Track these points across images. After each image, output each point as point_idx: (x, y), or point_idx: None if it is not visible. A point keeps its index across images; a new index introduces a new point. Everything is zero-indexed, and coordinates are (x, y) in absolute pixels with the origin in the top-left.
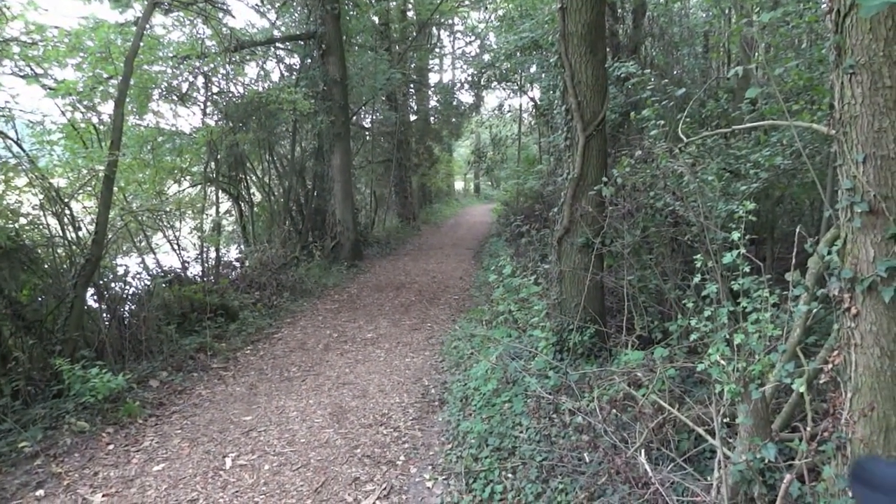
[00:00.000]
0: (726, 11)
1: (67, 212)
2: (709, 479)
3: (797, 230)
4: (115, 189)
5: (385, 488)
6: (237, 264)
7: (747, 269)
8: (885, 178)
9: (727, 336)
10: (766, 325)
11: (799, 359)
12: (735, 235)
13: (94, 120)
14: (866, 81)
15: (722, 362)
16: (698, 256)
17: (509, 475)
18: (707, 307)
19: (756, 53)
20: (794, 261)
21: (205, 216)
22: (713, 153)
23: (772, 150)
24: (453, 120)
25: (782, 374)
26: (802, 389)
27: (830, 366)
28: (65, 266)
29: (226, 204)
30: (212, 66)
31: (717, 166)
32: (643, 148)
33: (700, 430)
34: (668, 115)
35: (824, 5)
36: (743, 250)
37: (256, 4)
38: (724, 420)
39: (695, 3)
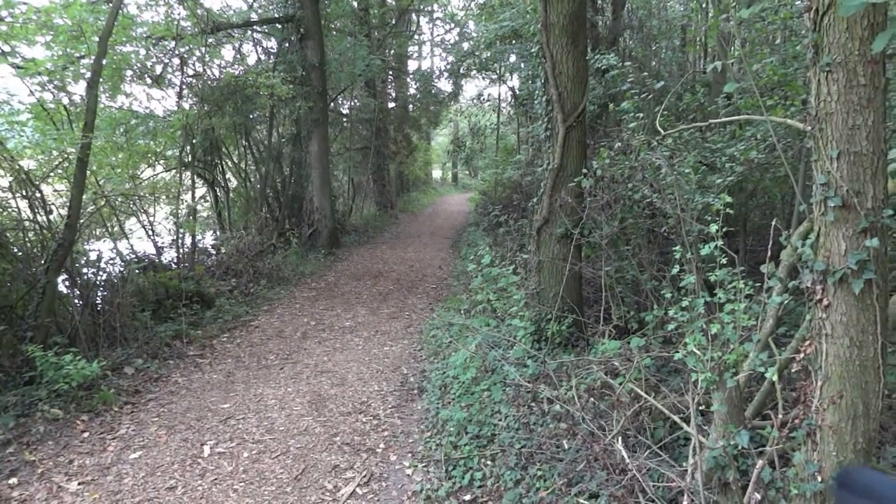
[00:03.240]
0: (704, 5)
1: (38, 195)
2: (684, 465)
3: (773, 223)
4: (88, 172)
5: (365, 475)
6: (213, 251)
7: (724, 261)
8: (858, 174)
9: (703, 326)
10: (740, 316)
11: (770, 348)
12: (713, 228)
13: (65, 101)
14: (842, 79)
15: (696, 352)
16: (676, 248)
17: (488, 462)
18: (684, 298)
19: (732, 48)
20: (769, 253)
21: (180, 201)
22: (689, 146)
23: (747, 144)
24: (432, 108)
25: (756, 363)
26: (775, 378)
27: (802, 355)
28: (36, 250)
29: (201, 189)
30: (188, 47)
31: (693, 159)
32: (622, 140)
33: (675, 418)
34: (647, 107)
35: (799, 2)
36: (720, 242)
37: None
38: (700, 408)
39: None
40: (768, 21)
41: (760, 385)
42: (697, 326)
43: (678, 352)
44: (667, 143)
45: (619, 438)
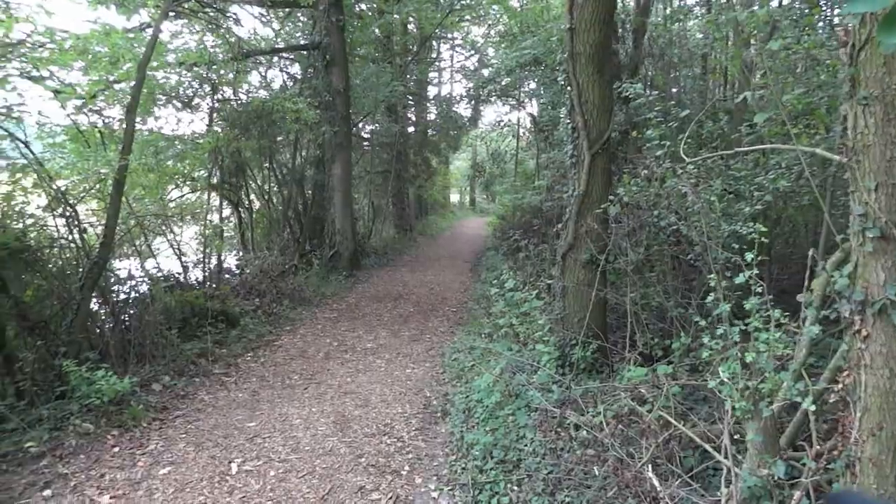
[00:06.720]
0: (725, 34)
1: (73, 214)
2: (717, 495)
3: (810, 253)
4: None
5: (391, 497)
6: (237, 270)
7: (759, 290)
8: None
9: (739, 354)
10: (775, 344)
11: (803, 378)
12: (749, 256)
13: (99, 123)
14: (879, 112)
15: (726, 380)
16: (711, 276)
17: (515, 488)
18: (717, 326)
19: (756, 76)
20: (806, 283)
21: (207, 222)
22: (713, 174)
23: (775, 172)
24: (452, 133)
25: (793, 392)
26: (812, 408)
27: (840, 385)
28: (69, 268)
29: (225, 210)
30: (220, 73)
31: (719, 186)
32: (647, 167)
33: (707, 447)
34: (671, 135)
35: (822, 33)
36: (756, 271)
37: (261, 14)
38: (734, 437)
39: (692, 25)
40: (792, 50)
41: (791, 415)
42: (732, 355)
43: (712, 380)
44: (690, 171)
45: (650, 466)
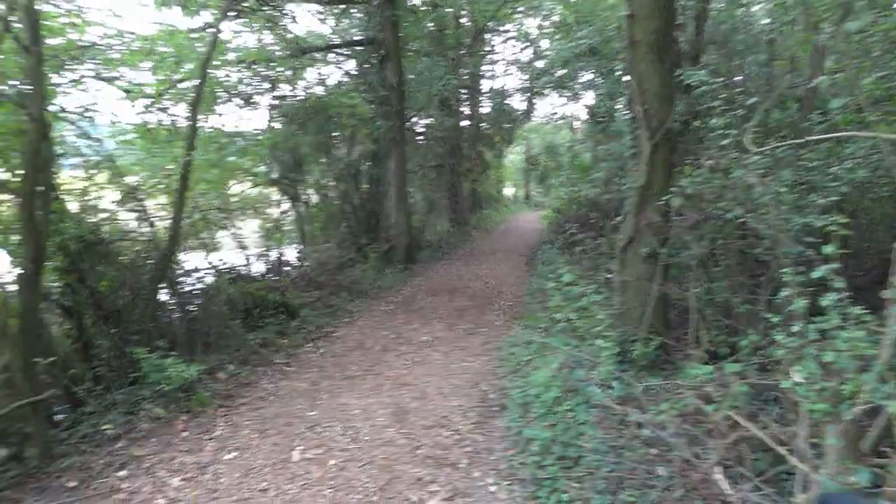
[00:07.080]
0: (793, 18)
1: (143, 208)
2: (792, 500)
3: (894, 246)
4: None
5: (449, 490)
6: (296, 263)
7: (839, 286)
8: None
9: (817, 353)
10: (858, 344)
11: (888, 380)
12: (828, 249)
13: (166, 121)
14: None
15: (800, 381)
16: (785, 270)
17: (574, 485)
18: (792, 323)
19: (828, 61)
20: (891, 278)
21: (268, 216)
22: (782, 164)
23: (851, 162)
24: (506, 126)
25: (879, 395)
26: None
27: None
28: (139, 260)
29: (285, 204)
30: (279, 70)
31: (791, 177)
32: (712, 157)
33: (781, 450)
34: (736, 124)
35: None
36: (837, 265)
37: (317, 11)
38: (811, 440)
39: (756, 9)
40: (868, 33)
41: (873, 419)
42: (809, 354)
43: (785, 380)
44: (758, 161)
45: (719, 468)
